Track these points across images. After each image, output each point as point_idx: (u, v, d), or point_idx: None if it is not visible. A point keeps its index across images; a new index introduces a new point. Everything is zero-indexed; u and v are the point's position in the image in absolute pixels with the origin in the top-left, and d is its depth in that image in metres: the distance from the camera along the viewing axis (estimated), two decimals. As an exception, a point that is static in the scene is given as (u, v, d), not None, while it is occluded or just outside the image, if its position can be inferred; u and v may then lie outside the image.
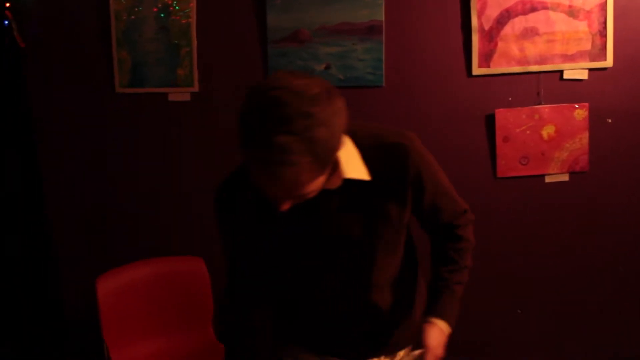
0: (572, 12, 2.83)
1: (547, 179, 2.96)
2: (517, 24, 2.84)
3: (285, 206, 1.34)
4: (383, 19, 2.85)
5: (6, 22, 2.87)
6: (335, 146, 1.30)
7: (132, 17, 2.92)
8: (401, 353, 1.72)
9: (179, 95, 2.97)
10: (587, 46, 2.85)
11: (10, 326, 3.16)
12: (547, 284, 3.05)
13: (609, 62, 2.86)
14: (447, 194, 1.65)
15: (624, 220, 3.00)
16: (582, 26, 2.83)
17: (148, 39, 2.93)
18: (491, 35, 2.85)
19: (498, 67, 2.87)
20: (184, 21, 2.91)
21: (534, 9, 2.83)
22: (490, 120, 2.92)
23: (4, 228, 3.13)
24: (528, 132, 2.91)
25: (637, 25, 2.85)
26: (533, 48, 2.85)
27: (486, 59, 2.87)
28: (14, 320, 3.17)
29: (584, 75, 2.88)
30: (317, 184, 1.32)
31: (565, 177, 2.96)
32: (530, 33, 2.84)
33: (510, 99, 2.91)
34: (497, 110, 2.90)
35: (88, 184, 3.07)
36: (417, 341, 1.59)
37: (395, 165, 1.49)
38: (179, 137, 3.02)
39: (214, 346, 2.66)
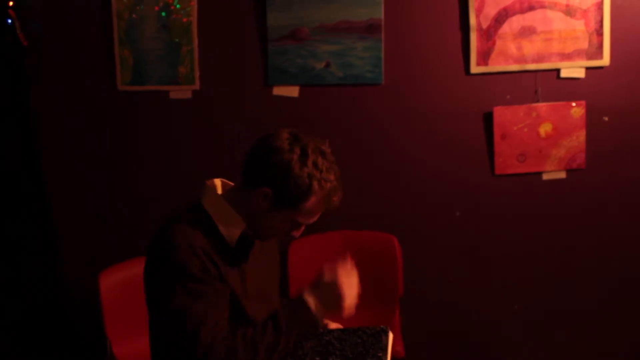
0: (569, 11, 2.85)
1: (545, 176, 2.98)
2: (514, 23, 2.86)
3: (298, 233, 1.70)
4: (382, 17, 2.87)
5: (9, 21, 2.89)
6: None
7: (134, 15, 2.94)
8: None
9: (180, 93, 2.99)
10: (584, 45, 2.87)
11: (13, 321, 3.19)
12: (545, 281, 3.07)
13: (605, 60, 2.88)
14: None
15: (620, 217, 3.02)
16: (579, 25, 2.85)
17: (149, 38, 2.95)
18: (489, 34, 2.87)
19: (496, 65, 2.89)
20: (185, 20, 2.94)
21: (531, 8, 2.85)
22: (488, 118, 2.94)
23: (7, 224, 3.16)
24: (526, 129, 2.93)
25: (634, 24, 2.87)
26: (530, 46, 2.87)
27: (484, 57, 2.89)
28: (17, 315, 3.19)
29: (581, 73, 2.90)
30: None
31: (562, 175, 2.98)
32: (527, 32, 2.87)
33: (508, 97, 2.93)
34: (495, 108, 2.92)
35: (90, 180, 3.09)
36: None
37: None
38: (180, 134, 3.04)
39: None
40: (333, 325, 1.85)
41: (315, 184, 1.56)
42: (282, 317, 1.61)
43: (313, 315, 1.60)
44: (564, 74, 2.90)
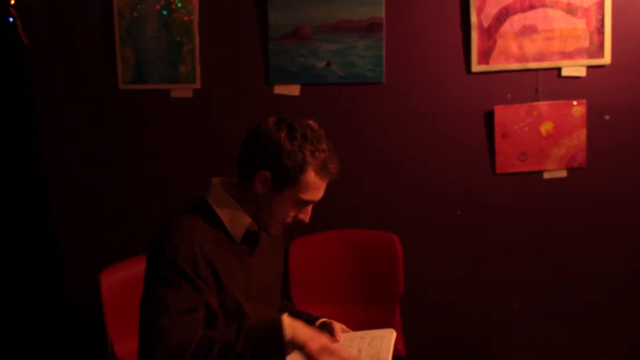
0: (570, 10, 2.85)
1: (546, 175, 2.99)
2: (515, 22, 2.86)
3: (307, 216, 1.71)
4: (383, 16, 2.88)
5: (11, 19, 2.89)
6: None
7: (135, 14, 2.94)
8: None
9: (181, 91, 2.99)
10: (585, 43, 2.87)
11: (14, 321, 3.19)
12: (545, 280, 3.07)
13: (606, 59, 2.88)
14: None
15: (621, 216, 3.02)
16: (580, 23, 2.86)
17: (151, 36, 2.95)
18: (490, 33, 2.88)
19: (497, 64, 2.90)
20: (186, 18, 2.94)
21: (532, 7, 2.85)
22: (489, 116, 2.95)
23: (8, 223, 3.15)
24: (526, 128, 2.93)
25: (635, 23, 2.88)
26: (531, 45, 2.88)
27: (485, 56, 2.90)
28: (18, 314, 3.19)
29: (582, 72, 2.91)
30: None
31: (563, 173, 2.98)
32: (528, 30, 2.87)
33: (509, 95, 2.94)
34: (496, 107, 2.92)
35: (92, 179, 3.08)
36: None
37: None
38: (181, 133, 3.04)
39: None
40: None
41: (308, 154, 1.59)
42: (247, 331, 1.55)
43: (282, 335, 1.52)
44: (565, 72, 2.91)
